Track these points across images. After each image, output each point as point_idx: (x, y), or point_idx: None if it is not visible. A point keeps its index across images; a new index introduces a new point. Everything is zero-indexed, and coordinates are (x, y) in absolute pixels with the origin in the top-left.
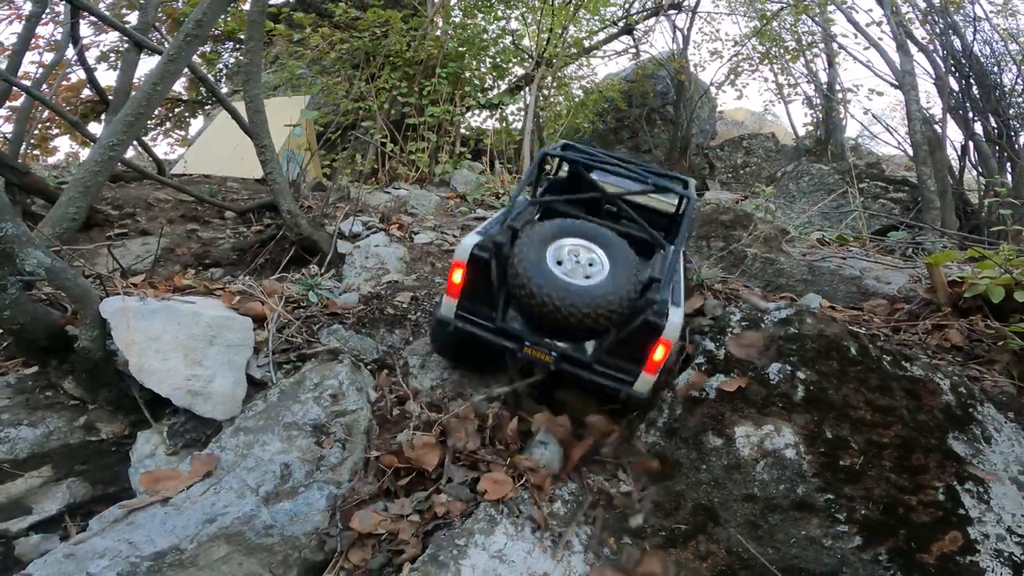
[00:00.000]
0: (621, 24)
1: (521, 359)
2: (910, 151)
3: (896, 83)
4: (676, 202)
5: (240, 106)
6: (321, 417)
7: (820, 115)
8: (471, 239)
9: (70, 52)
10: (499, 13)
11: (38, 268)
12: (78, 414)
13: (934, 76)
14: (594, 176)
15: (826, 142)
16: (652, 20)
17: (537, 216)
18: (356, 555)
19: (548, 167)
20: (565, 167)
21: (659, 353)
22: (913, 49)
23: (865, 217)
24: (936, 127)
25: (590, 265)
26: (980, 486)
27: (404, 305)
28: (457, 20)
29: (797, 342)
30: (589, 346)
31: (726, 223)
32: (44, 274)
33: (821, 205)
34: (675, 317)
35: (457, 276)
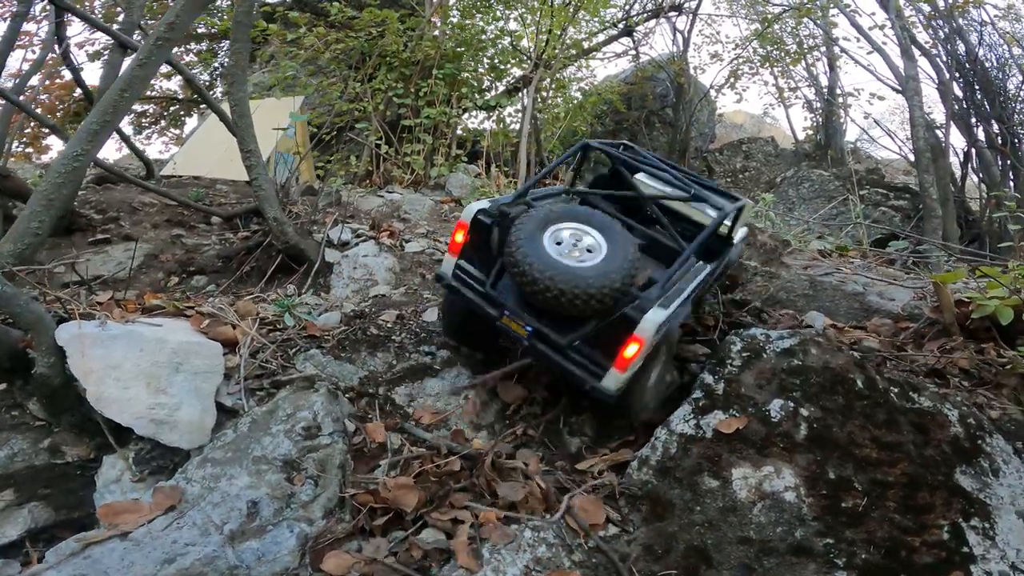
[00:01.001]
0: (621, 26)
1: (500, 328)
2: (911, 157)
3: (899, 88)
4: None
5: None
6: (292, 452)
7: (820, 119)
8: (478, 204)
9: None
10: (497, 13)
11: None
12: (43, 435)
13: (937, 81)
14: (640, 177)
15: (826, 146)
16: (652, 22)
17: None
18: None
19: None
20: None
21: (630, 350)
22: (916, 53)
23: (865, 226)
24: (939, 133)
25: (588, 251)
26: (986, 522)
27: (388, 325)
28: (455, 20)
29: (801, 375)
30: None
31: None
32: None
33: (822, 213)
34: (654, 316)
35: (460, 236)
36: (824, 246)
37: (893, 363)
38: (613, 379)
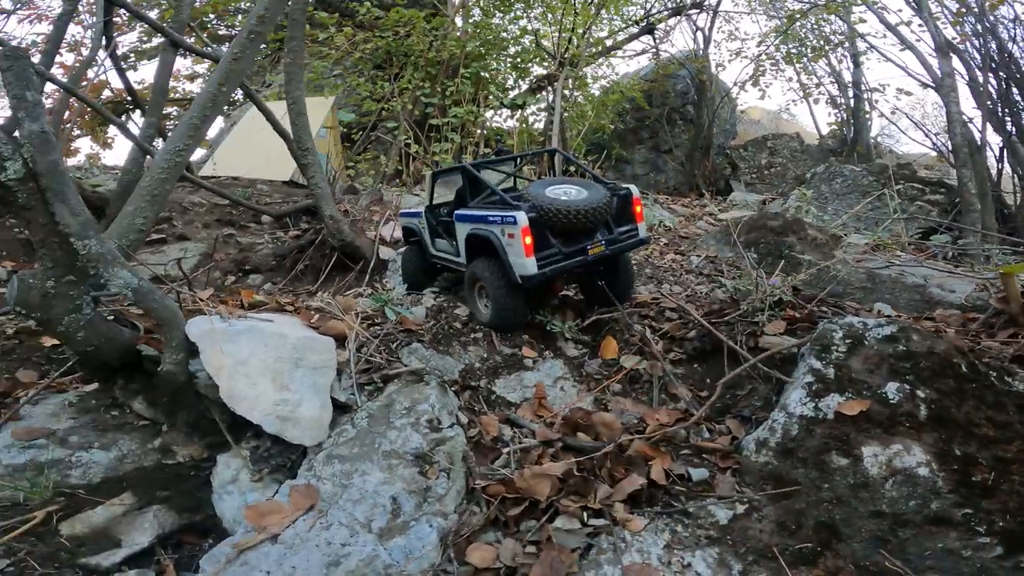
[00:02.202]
0: (642, 24)
1: (590, 259)
2: (944, 152)
3: (931, 84)
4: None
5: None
6: (423, 445)
7: (845, 115)
8: (522, 214)
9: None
10: (518, 13)
11: (124, 289)
12: (150, 436)
13: (967, 78)
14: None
15: (854, 142)
16: (673, 20)
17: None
18: None
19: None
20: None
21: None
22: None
23: (904, 220)
24: (972, 127)
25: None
26: None
27: (463, 318)
28: (476, 20)
29: (910, 360)
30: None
31: (776, 229)
32: (131, 295)
33: (859, 208)
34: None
35: (528, 239)
36: (864, 240)
37: (976, 351)
38: (643, 229)
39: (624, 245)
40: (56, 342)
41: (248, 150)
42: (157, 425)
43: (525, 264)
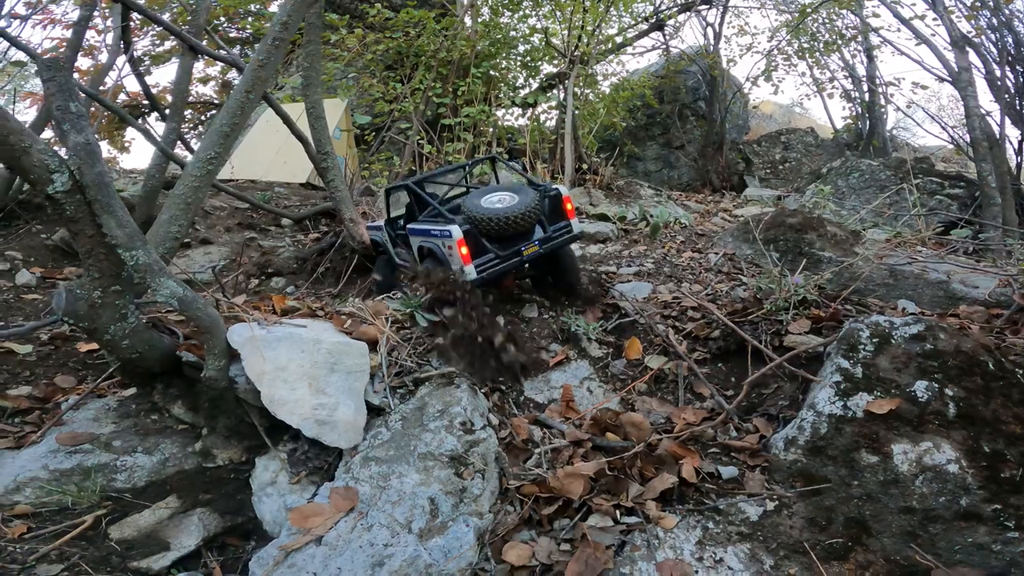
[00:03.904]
0: (652, 20)
1: (526, 259)
2: (963, 145)
3: (947, 78)
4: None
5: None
6: (457, 447)
7: (860, 109)
8: (456, 227)
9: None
10: (526, 11)
11: (170, 298)
12: (190, 440)
13: (984, 72)
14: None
15: (870, 136)
16: (683, 16)
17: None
18: None
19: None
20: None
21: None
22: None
23: (924, 215)
24: (991, 121)
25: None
26: None
27: None
28: (484, 19)
29: (938, 359)
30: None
31: (795, 226)
32: (176, 304)
33: (878, 203)
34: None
35: (464, 249)
36: (883, 236)
37: (1002, 349)
38: (576, 225)
39: (558, 242)
40: (92, 347)
41: (264, 153)
42: (196, 429)
43: (465, 271)
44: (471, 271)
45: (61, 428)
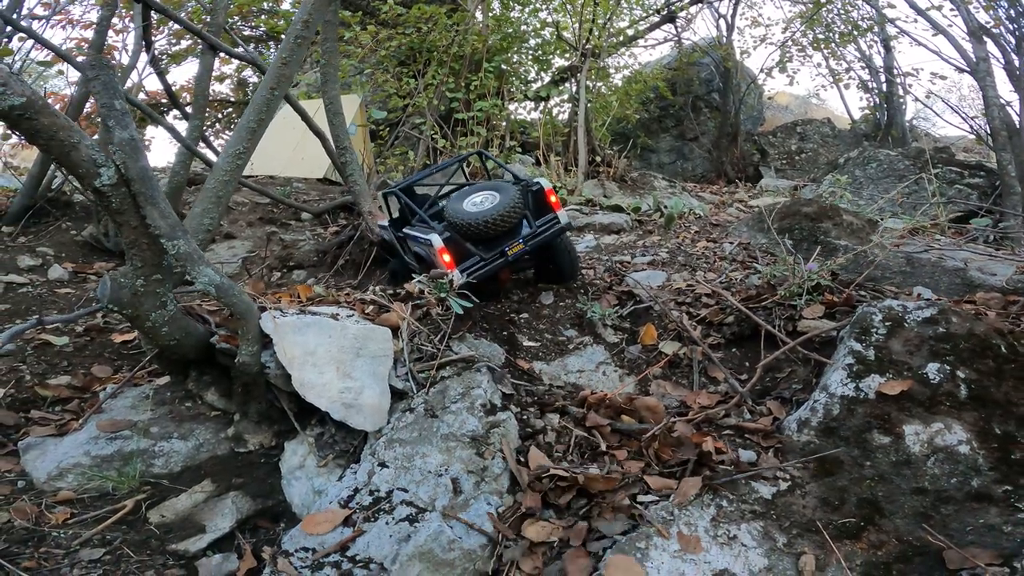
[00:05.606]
0: (663, 12)
1: (511, 258)
2: (983, 135)
3: (966, 69)
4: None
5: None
6: (479, 428)
7: (878, 99)
8: (436, 236)
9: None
10: (536, 5)
11: (209, 286)
12: (223, 425)
13: (1003, 62)
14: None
15: (888, 126)
16: (695, 8)
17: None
18: (528, 564)
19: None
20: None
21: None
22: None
23: (943, 204)
24: (1011, 110)
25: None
26: None
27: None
28: (495, 13)
29: (950, 342)
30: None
31: (810, 215)
32: (214, 292)
33: (895, 192)
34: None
35: (447, 257)
36: (901, 224)
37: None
38: (563, 216)
39: (545, 236)
40: (126, 338)
41: (282, 149)
42: (228, 415)
43: (451, 276)
44: (457, 276)
45: (100, 416)
